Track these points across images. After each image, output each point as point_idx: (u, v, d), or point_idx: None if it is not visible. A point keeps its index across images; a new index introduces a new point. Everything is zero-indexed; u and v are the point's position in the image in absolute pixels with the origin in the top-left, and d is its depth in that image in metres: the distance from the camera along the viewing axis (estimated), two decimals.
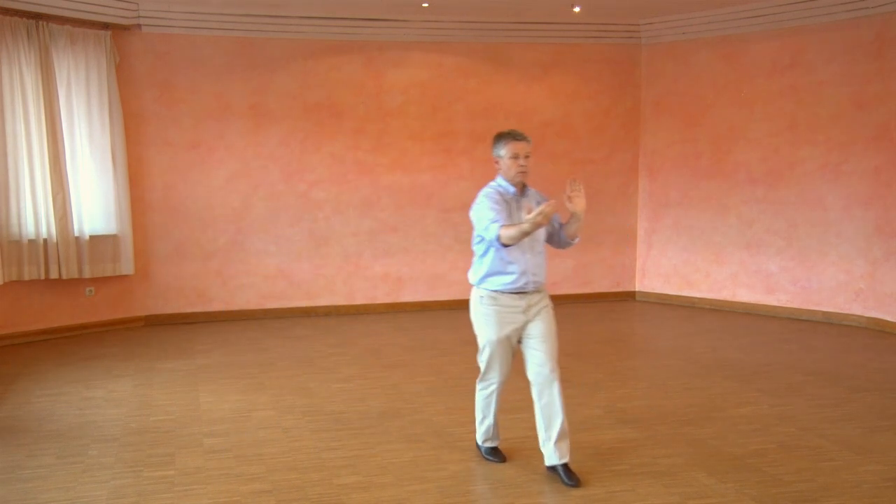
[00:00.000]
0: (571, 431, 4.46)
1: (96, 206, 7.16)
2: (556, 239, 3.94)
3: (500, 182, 3.84)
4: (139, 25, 7.35)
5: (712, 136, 8.20)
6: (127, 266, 7.34)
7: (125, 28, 7.28)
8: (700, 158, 8.31)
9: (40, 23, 6.69)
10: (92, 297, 7.30)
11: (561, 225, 3.93)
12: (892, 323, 7.09)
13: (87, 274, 7.09)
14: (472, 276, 3.93)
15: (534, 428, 4.52)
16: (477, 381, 4.06)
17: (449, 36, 8.16)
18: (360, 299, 8.17)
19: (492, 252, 3.77)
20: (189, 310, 7.79)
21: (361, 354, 6.41)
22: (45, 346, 6.75)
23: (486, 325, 3.85)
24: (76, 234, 7.00)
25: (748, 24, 7.77)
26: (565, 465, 3.77)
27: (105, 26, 7.11)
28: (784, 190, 7.76)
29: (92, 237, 7.11)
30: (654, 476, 3.83)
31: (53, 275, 6.91)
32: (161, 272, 7.67)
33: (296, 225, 8.00)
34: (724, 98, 8.08)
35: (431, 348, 6.61)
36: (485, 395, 4.03)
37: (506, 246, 3.60)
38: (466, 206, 8.31)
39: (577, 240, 3.95)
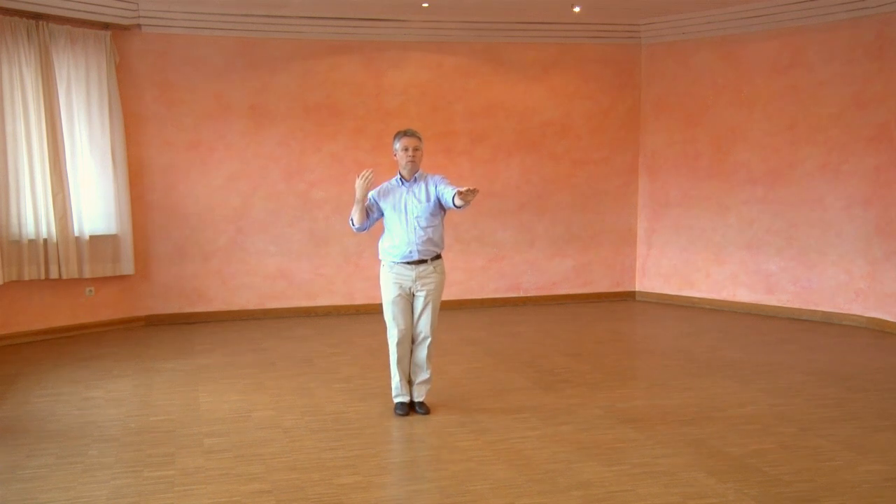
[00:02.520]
0: (571, 431, 4.48)
1: (96, 206, 7.16)
2: (451, 204, 4.55)
3: (397, 175, 4.74)
4: (139, 25, 7.35)
5: (712, 136, 8.20)
6: (127, 266, 7.34)
7: (125, 28, 7.28)
8: (700, 158, 8.31)
9: (40, 23, 6.70)
10: (92, 297, 7.30)
11: (453, 196, 4.50)
12: (892, 323, 7.09)
13: (87, 274, 7.09)
14: (379, 249, 4.80)
15: (534, 428, 4.54)
16: (387, 336, 4.78)
17: (449, 36, 8.16)
18: (360, 299, 8.18)
19: (386, 226, 4.73)
20: (189, 310, 7.79)
21: (361, 354, 6.41)
22: (45, 346, 6.75)
23: (384, 288, 4.73)
24: (76, 234, 7.00)
25: (748, 24, 7.78)
26: (420, 402, 4.84)
27: (105, 26, 7.11)
28: (784, 190, 7.76)
29: (92, 237, 7.11)
30: (654, 476, 3.83)
31: (53, 275, 6.91)
32: (161, 272, 7.67)
33: (296, 225, 8.00)
34: (724, 98, 8.08)
35: None
36: (394, 344, 4.73)
37: (358, 227, 4.62)
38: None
39: (465, 206, 4.47)
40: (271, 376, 5.73)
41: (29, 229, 6.77)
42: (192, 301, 7.79)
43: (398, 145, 4.69)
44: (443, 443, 4.34)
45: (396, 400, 4.84)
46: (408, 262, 4.63)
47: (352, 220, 4.64)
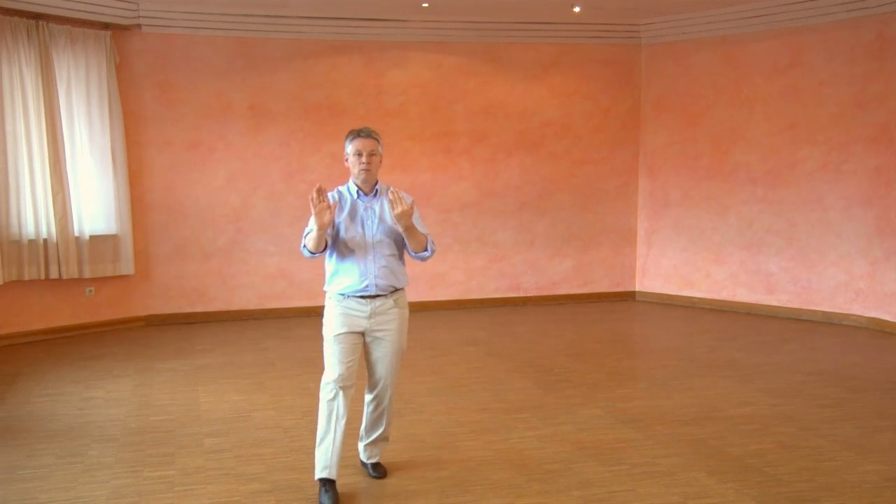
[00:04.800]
0: (571, 431, 4.47)
1: (96, 206, 7.15)
2: (407, 248, 3.69)
3: (349, 183, 3.67)
4: (139, 25, 7.35)
5: (712, 136, 8.20)
6: (127, 266, 7.34)
7: (125, 28, 7.28)
8: (700, 158, 8.31)
9: (40, 23, 6.69)
10: (92, 297, 7.30)
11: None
12: (892, 323, 7.09)
13: (87, 274, 7.09)
14: (326, 279, 3.73)
15: (534, 428, 4.53)
16: (320, 384, 3.67)
17: (449, 36, 8.16)
18: None
19: (335, 251, 3.64)
20: (189, 310, 7.79)
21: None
22: (45, 346, 6.75)
23: (327, 323, 3.67)
24: (76, 234, 7.00)
25: (748, 24, 7.77)
26: (375, 464, 3.90)
27: (105, 26, 7.11)
28: (784, 190, 7.76)
29: (92, 237, 7.11)
30: (654, 476, 3.83)
31: (53, 275, 6.91)
32: (161, 272, 7.67)
33: (296, 225, 7.99)
34: (723, 98, 8.08)
35: (431, 348, 6.61)
36: (327, 400, 3.58)
37: (313, 254, 3.50)
38: (466, 206, 8.42)
39: (426, 254, 3.70)
40: (271, 376, 5.73)
41: (29, 229, 6.77)
42: (192, 301, 7.79)
43: (350, 148, 3.61)
44: (443, 443, 4.34)
45: (320, 476, 3.57)
46: (361, 297, 3.62)
47: (305, 245, 3.54)
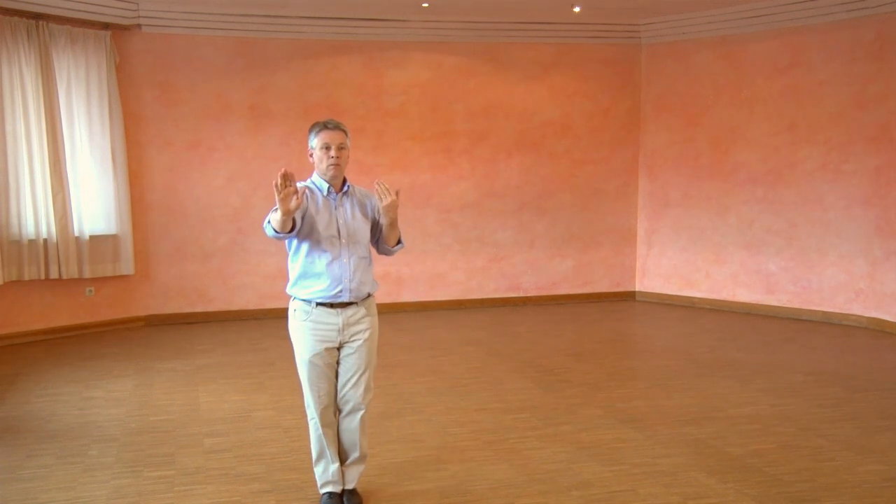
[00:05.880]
0: (571, 431, 4.47)
1: (96, 206, 7.16)
2: (380, 243, 3.55)
3: (314, 178, 3.41)
4: (139, 25, 7.35)
5: (712, 136, 8.20)
6: (127, 266, 7.34)
7: (125, 28, 7.28)
8: (700, 158, 8.31)
9: (40, 23, 6.69)
10: (92, 297, 7.30)
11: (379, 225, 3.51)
12: (892, 323, 7.09)
13: (87, 274, 7.09)
14: (288, 283, 3.49)
15: (533, 428, 4.53)
16: (305, 409, 3.54)
17: (449, 36, 8.16)
18: None
19: (301, 253, 3.37)
20: (189, 310, 7.79)
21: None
22: (45, 346, 6.75)
23: (297, 341, 3.47)
24: (76, 234, 7.00)
25: (748, 24, 7.77)
26: (350, 491, 3.56)
27: (105, 26, 7.11)
28: (784, 190, 7.76)
29: (92, 237, 7.11)
30: (654, 476, 3.83)
31: (53, 275, 6.91)
32: (161, 272, 7.67)
33: None
34: (723, 98, 8.08)
35: (431, 348, 6.61)
36: (313, 429, 3.48)
37: (277, 232, 3.18)
38: (466, 206, 8.41)
39: (399, 247, 3.56)
40: (271, 376, 5.73)
41: (29, 229, 6.77)
42: (192, 301, 7.79)
43: (316, 142, 3.33)
44: (443, 443, 4.34)
45: (325, 490, 3.51)
46: (332, 305, 3.38)
47: (269, 222, 3.22)
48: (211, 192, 7.74)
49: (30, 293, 6.93)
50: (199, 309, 7.82)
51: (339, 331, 3.41)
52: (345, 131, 3.37)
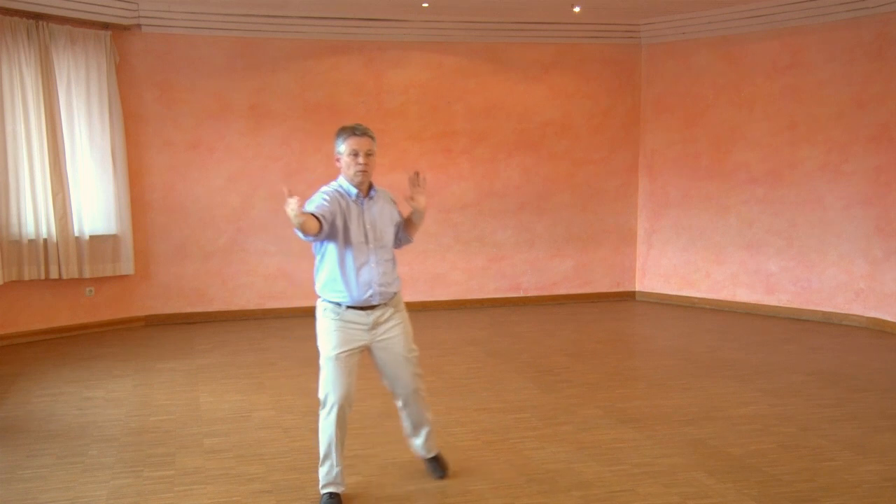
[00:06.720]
0: (571, 431, 4.47)
1: (96, 206, 7.15)
2: (400, 239, 3.67)
3: (340, 182, 3.50)
4: (139, 25, 7.35)
5: (712, 136, 8.20)
6: (127, 266, 7.34)
7: (125, 28, 7.27)
8: (700, 158, 8.31)
9: (40, 23, 6.69)
10: (92, 297, 7.29)
11: (403, 222, 3.66)
12: (892, 323, 7.09)
13: (87, 274, 7.09)
14: (316, 284, 3.55)
15: (533, 428, 4.53)
16: (320, 407, 3.53)
17: (449, 36, 8.16)
18: None
19: (330, 257, 3.44)
20: (189, 310, 7.79)
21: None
22: (45, 346, 6.75)
23: (324, 337, 3.48)
24: (76, 234, 7.00)
25: (748, 24, 7.77)
26: (435, 457, 3.83)
27: (105, 26, 7.11)
28: (784, 190, 7.76)
29: (92, 237, 7.11)
30: (654, 476, 3.83)
31: (53, 275, 6.90)
32: (161, 272, 7.67)
33: None
34: (724, 98, 8.08)
35: (431, 348, 6.60)
36: (327, 421, 3.46)
37: (306, 235, 3.26)
38: (466, 206, 8.41)
39: (411, 239, 3.72)
40: (271, 376, 5.74)
41: (29, 229, 6.77)
42: (192, 301, 7.79)
43: (344, 147, 3.42)
44: (443, 443, 4.33)
45: (326, 491, 3.50)
46: (362, 308, 3.45)
47: (299, 229, 3.29)
48: (211, 192, 7.74)
49: (30, 293, 6.93)
50: (199, 309, 7.81)
51: (367, 330, 3.48)
52: (372, 137, 3.45)
